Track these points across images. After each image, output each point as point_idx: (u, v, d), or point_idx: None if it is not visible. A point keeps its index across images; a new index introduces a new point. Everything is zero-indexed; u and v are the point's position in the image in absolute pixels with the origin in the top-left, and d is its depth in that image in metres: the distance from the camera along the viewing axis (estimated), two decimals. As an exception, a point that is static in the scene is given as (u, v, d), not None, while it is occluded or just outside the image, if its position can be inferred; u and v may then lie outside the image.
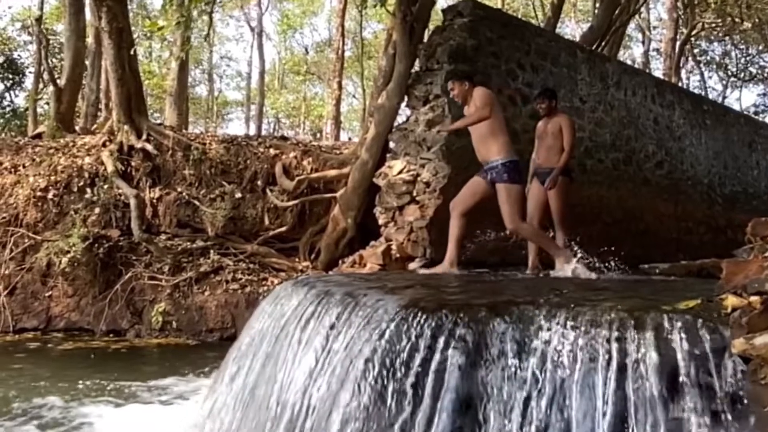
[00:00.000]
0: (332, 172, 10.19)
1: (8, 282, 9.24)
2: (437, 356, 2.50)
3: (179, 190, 10.04)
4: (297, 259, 9.89)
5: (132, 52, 10.44)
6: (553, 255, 5.49)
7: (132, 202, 9.40)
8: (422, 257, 7.43)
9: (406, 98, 8.71)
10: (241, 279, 9.16)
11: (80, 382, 6.53)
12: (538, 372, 2.37)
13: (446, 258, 5.70)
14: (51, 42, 19.57)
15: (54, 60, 18.58)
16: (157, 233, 9.68)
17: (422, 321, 2.61)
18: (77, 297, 9.25)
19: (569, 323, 2.43)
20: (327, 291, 3.46)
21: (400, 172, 8.10)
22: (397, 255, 7.66)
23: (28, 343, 8.64)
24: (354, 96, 35.50)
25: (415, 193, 7.86)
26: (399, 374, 2.55)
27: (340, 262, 8.66)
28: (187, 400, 5.91)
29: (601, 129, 9.60)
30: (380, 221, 8.22)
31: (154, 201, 9.89)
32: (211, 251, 9.47)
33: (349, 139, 28.67)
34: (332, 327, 3.06)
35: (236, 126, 49.02)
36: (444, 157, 7.61)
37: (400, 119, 9.34)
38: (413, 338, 2.58)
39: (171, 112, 15.35)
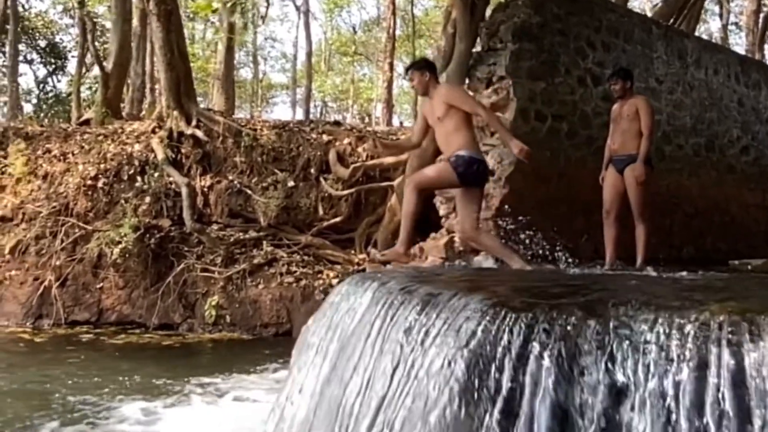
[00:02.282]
0: (389, 160, 10.18)
1: (59, 273, 9.57)
2: (531, 360, 2.47)
3: (230, 178, 10.21)
4: (353, 251, 9.95)
5: (181, 35, 10.63)
6: (510, 264, 5.28)
7: (183, 190, 9.61)
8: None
9: (467, 80, 8.64)
10: (295, 272, 9.28)
11: (135, 378, 6.74)
12: (641, 377, 2.33)
13: (399, 244, 5.42)
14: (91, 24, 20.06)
15: (96, 44, 19.05)
16: (209, 223, 9.87)
17: (512, 322, 2.58)
18: (128, 289, 9.52)
19: (675, 325, 2.37)
20: (402, 288, 3.46)
21: (463, 159, 8.06)
22: (461, 248, 7.63)
23: (81, 336, 8.95)
24: (404, 77, 35.38)
25: (474, 182, 7.80)
26: (489, 380, 2.53)
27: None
28: (248, 400, 6.02)
29: (680, 112, 9.35)
30: (441, 212, 8.19)
31: (205, 189, 10.08)
32: (264, 242, 9.62)
33: (401, 123, 28.66)
34: (410, 328, 3.05)
35: (281, 110, 49.47)
36: (510, 143, 7.53)
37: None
38: (503, 341, 2.56)
39: (218, 97, 15.62)
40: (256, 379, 6.76)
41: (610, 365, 2.43)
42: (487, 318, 2.66)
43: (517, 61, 7.63)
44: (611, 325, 2.48)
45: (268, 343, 8.44)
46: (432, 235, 8.27)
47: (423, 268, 6.30)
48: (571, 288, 3.86)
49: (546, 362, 2.48)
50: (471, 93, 5.36)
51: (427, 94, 5.37)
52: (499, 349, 2.57)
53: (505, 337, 2.58)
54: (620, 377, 2.41)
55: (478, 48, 8.48)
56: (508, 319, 2.61)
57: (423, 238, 8.59)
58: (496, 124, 5.39)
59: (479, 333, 2.64)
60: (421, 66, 5.42)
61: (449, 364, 2.66)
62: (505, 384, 2.50)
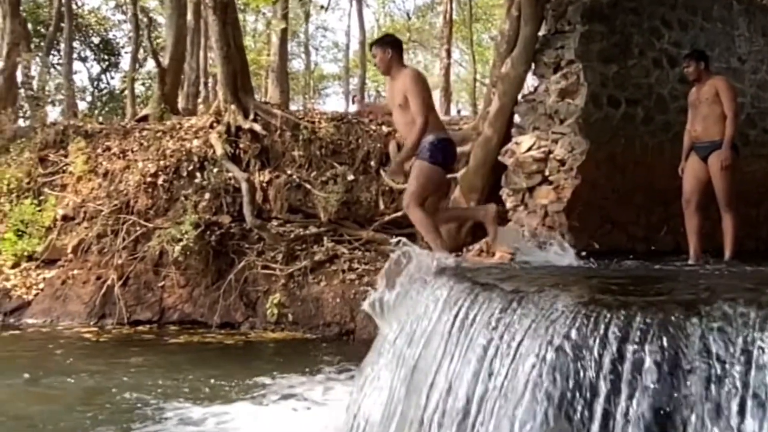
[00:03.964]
0: (451, 150, 10.13)
1: (121, 272, 9.85)
2: (628, 361, 2.44)
3: (289, 172, 10.34)
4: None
5: (237, 28, 10.81)
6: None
7: (243, 186, 9.77)
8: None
9: (533, 65, 8.54)
10: (357, 269, 9.33)
11: (198, 379, 6.87)
12: (750, 378, 2.27)
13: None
14: (145, 20, 20.56)
15: (144, 38, 19.53)
16: (268, 219, 10.02)
17: (608, 320, 2.55)
18: (189, 287, 9.74)
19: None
20: (482, 285, 3.46)
21: (530, 148, 7.96)
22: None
23: (143, 336, 9.20)
24: (461, 64, 35.16)
25: (547, 173, 7.70)
26: (583, 382, 2.51)
27: (464, 249, 8.63)
28: (315, 402, 6.08)
29: (765, 93, 9.04)
30: (508, 204, 8.12)
31: (264, 184, 10.24)
32: (325, 238, 9.71)
33: (458, 112, 28.52)
34: (495, 326, 3.05)
35: (334, 101, 49.73)
36: (581, 131, 7.40)
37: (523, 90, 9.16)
38: (598, 340, 2.53)
39: (273, 89, 15.81)
40: (322, 379, 6.80)
41: (714, 365, 2.39)
42: (581, 316, 2.64)
43: (587, 43, 7.51)
44: (715, 324, 2.43)
45: (332, 342, 8.51)
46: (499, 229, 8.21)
47: (494, 264, 6.27)
48: (661, 284, 3.80)
49: (645, 362, 2.45)
50: (426, 88, 5.18)
51: (389, 74, 5.28)
52: (595, 349, 2.54)
53: (600, 336, 2.55)
54: (726, 378, 2.36)
55: (544, 31, 8.37)
56: (603, 317, 2.58)
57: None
58: (411, 138, 5.10)
59: (572, 332, 2.62)
60: (385, 42, 5.32)
61: (540, 364, 2.65)
62: (602, 385, 2.48)
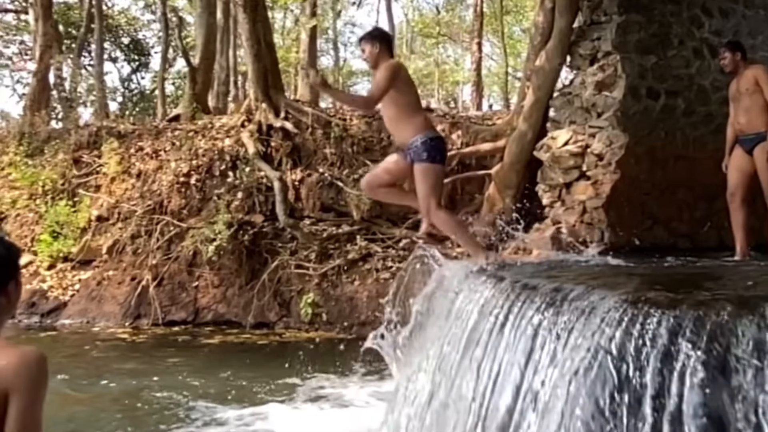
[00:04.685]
0: (485, 146, 10.12)
1: (156, 272, 9.99)
2: (678, 361, 2.41)
3: (321, 170, 10.39)
4: (450, 245, 9.92)
5: (267, 26, 10.88)
6: (472, 255, 5.06)
7: (276, 185, 9.85)
8: (599, 242, 7.23)
9: (568, 58, 8.48)
10: (391, 267, 9.33)
11: (233, 380, 6.96)
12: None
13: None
14: (175, 19, 20.80)
15: (175, 38, 19.75)
16: (301, 218, 10.08)
17: (656, 320, 2.53)
18: (223, 287, 9.85)
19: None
20: (524, 284, 3.44)
21: (566, 143, 7.91)
22: (568, 239, 7.50)
23: (178, 336, 9.32)
24: (492, 58, 34.96)
25: (585, 168, 7.65)
26: (632, 380, 2.49)
27: (499, 247, 8.60)
28: (350, 403, 6.11)
29: (810, 82, 8.85)
30: (544, 200, 8.08)
31: (296, 183, 10.30)
32: (358, 237, 9.74)
33: (490, 106, 28.39)
34: (539, 326, 3.03)
35: (362, 97, 49.70)
36: (619, 124, 7.34)
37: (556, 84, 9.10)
38: (646, 341, 2.51)
39: (303, 87, 15.88)
40: (357, 380, 6.82)
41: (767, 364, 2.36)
42: (628, 315, 2.62)
43: (624, 34, 7.44)
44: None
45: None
46: (535, 226, 8.16)
47: (532, 261, 6.24)
48: (709, 281, 3.75)
49: (695, 362, 2.42)
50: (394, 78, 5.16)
51: (377, 68, 5.17)
52: (643, 348, 2.52)
53: (649, 335, 2.53)
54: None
55: (579, 22, 8.31)
56: (651, 315, 2.56)
57: (522, 229, 8.50)
58: (356, 101, 5.48)
59: (620, 331, 2.60)
60: (373, 36, 5.24)
61: (588, 363, 2.64)
62: (650, 385, 2.46)
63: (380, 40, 5.19)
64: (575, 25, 8.43)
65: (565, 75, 9.53)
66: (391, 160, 5.26)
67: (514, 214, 9.25)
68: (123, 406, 6.23)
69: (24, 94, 19.10)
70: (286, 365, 7.06)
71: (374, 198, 6.03)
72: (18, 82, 24.18)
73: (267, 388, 6.65)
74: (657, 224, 7.25)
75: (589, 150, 7.62)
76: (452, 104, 32.63)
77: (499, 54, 31.32)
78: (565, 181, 7.77)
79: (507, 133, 9.84)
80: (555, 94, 8.57)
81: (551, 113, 8.49)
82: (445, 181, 10.09)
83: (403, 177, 5.25)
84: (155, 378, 7.06)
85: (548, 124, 8.42)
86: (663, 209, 7.23)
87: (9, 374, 1.83)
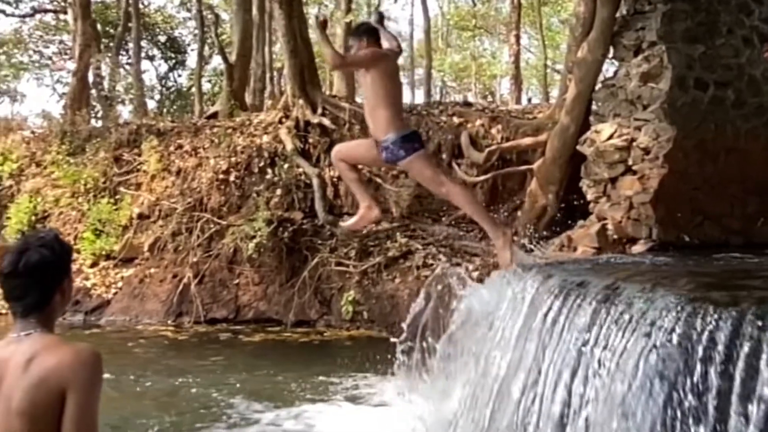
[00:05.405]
0: (527, 141, 10.05)
1: (197, 270, 10.12)
2: (740, 358, 2.39)
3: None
4: (491, 242, 9.89)
5: (303, 22, 10.94)
6: (489, 233, 5.22)
7: (314, 181, 9.91)
8: (647, 238, 7.12)
9: (611, 49, 8.37)
10: (432, 265, 9.32)
11: (276, 378, 7.03)
12: None
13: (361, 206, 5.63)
14: (211, 17, 21.02)
15: (211, 35, 19.96)
16: (340, 215, 10.10)
17: (717, 319, 2.49)
18: (264, 285, 9.94)
19: None
20: (574, 281, 3.43)
21: (611, 137, 7.81)
22: (615, 236, 7.41)
23: (219, 334, 9.43)
24: (530, 50, 34.66)
25: (631, 162, 7.54)
26: (691, 379, 2.47)
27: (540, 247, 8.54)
28: (390, 403, 6.13)
29: None
30: (589, 196, 7.99)
31: (335, 180, 10.33)
32: (398, 234, 9.74)
33: (529, 100, 28.15)
34: (590, 327, 3.02)
35: (398, 92, 49.59)
36: (666, 117, 7.22)
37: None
38: (706, 341, 2.48)
39: (339, 82, 15.94)
40: (398, 379, 6.83)
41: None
42: (687, 313, 2.59)
43: (669, 23, 7.31)
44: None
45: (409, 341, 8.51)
46: (580, 222, 8.09)
47: (579, 259, 6.18)
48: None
49: (759, 360, 2.38)
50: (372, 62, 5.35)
51: None
52: (702, 347, 2.49)
53: (709, 333, 2.50)
54: None
55: (622, 12, 8.20)
56: (711, 314, 2.53)
57: (565, 226, 8.42)
58: (334, 57, 5.27)
59: (678, 329, 2.57)
60: (360, 32, 5.40)
61: (644, 362, 2.62)
62: (712, 384, 2.43)
63: (367, 35, 5.35)
64: (618, 15, 8.31)
65: (607, 67, 9.44)
66: (367, 142, 5.43)
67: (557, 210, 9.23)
68: (168, 404, 6.32)
69: (64, 94, 19.50)
70: (329, 364, 7.08)
71: (335, 167, 6.36)
72: (58, 81, 24.75)
73: (309, 387, 6.70)
74: (707, 220, 7.12)
75: (634, 143, 7.51)
76: (490, 98, 32.45)
77: (537, 46, 31.07)
78: (610, 175, 7.67)
79: (548, 127, 9.76)
80: (598, 87, 8.47)
81: (594, 106, 8.40)
82: (486, 176, 10.15)
83: (367, 163, 5.47)
84: (199, 376, 7.17)
85: (591, 118, 8.33)
86: (713, 205, 7.09)
87: (66, 371, 1.87)
